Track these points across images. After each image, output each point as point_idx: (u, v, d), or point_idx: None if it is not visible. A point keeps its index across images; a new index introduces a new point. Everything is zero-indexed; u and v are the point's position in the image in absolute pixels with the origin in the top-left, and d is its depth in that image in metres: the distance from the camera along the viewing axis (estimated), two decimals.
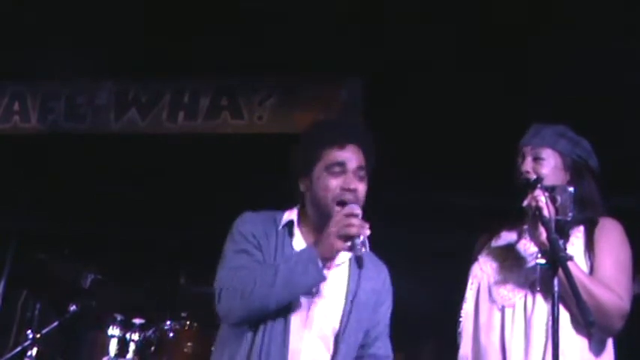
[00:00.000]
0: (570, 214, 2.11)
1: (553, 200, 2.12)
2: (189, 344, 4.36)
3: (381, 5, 4.08)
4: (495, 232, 2.49)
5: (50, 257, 5.18)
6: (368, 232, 2.09)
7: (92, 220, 5.84)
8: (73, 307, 4.50)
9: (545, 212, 2.07)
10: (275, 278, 2.10)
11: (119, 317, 4.45)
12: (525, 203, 2.16)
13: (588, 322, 1.85)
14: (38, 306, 5.03)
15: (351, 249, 2.09)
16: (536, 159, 2.35)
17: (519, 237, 2.39)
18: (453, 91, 4.45)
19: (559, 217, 2.10)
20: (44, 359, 4.59)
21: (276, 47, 4.52)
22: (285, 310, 2.18)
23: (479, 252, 2.45)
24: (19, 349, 4.49)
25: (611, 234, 2.28)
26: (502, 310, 2.27)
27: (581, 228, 2.30)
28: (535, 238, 2.15)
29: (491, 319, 2.28)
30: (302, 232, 2.34)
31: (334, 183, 2.24)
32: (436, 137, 4.70)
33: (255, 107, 4.93)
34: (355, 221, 2.10)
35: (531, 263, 2.24)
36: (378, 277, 2.37)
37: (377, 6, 4.08)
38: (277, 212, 2.39)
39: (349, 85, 4.78)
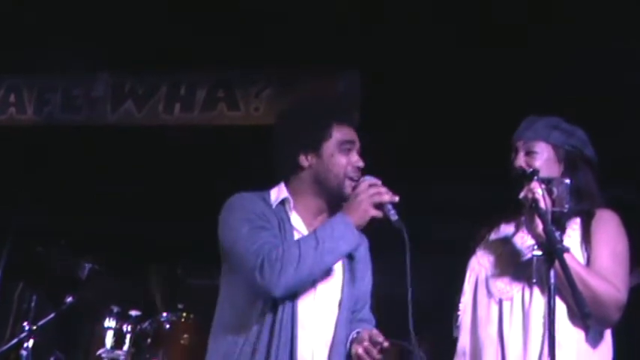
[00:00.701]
0: (567, 206, 2.11)
1: (549, 192, 2.12)
2: (185, 336, 4.37)
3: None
4: (493, 225, 2.49)
5: (46, 249, 5.17)
6: (397, 198, 2.17)
7: (89, 212, 5.84)
8: (69, 299, 4.49)
9: (542, 204, 2.07)
10: (318, 245, 2.14)
11: (115, 309, 4.45)
12: (522, 195, 2.15)
13: (584, 314, 1.85)
14: (35, 298, 5.02)
15: (384, 215, 2.17)
16: (529, 152, 2.35)
17: (517, 230, 2.38)
18: (451, 85, 4.45)
19: (555, 209, 2.09)
20: (41, 351, 4.59)
21: (273, 39, 4.51)
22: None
23: (477, 245, 2.45)
24: (15, 340, 4.49)
25: (607, 225, 2.27)
26: (500, 303, 2.26)
27: (578, 220, 2.29)
28: (531, 230, 2.14)
29: (489, 312, 2.28)
30: (297, 210, 2.34)
31: (345, 160, 2.30)
32: (434, 130, 4.71)
33: (252, 99, 4.93)
34: (384, 189, 2.19)
35: (528, 256, 2.23)
36: (360, 247, 2.40)
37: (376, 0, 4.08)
38: (262, 192, 2.38)
39: (346, 78, 4.78)
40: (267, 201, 2.34)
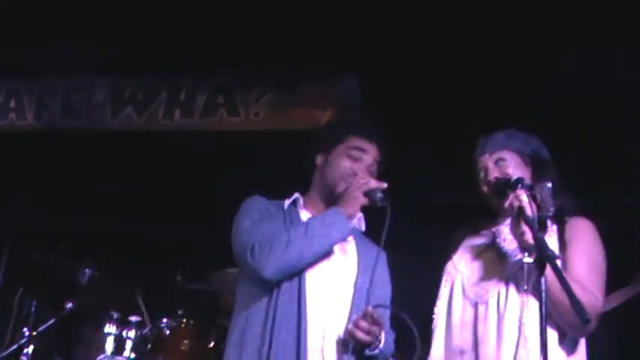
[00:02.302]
0: (552, 209, 2.13)
1: (534, 198, 2.13)
2: (185, 342, 4.35)
3: (379, 3, 4.08)
4: (469, 231, 2.50)
5: (46, 254, 5.17)
6: (385, 185, 2.32)
7: (89, 217, 5.83)
8: (69, 304, 4.49)
9: (529, 211, 2.09)
10: (307, 231, 2.25)
11: (115, 315, 4.45)
12: (507, 204, 2.18)
13: (584, 320, 1.85)
14: (34, 303, 5.02)
15: (372, 201, 2.31)
16: (498, 161, 2.40)
17: (493, 235, 2.39)
18: (451, 89, 4.45)
19: (541, 214, 2.12)
20: (41, 357, 4.58)
21: (273, 44, 4.51)
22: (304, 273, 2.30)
23: (453, 250, 2.46)
24: (15, 346, 4.48)
25: (583, 233, 2.30)
26: (475, 306, 2.28)
27: (554, 227, 2.31)
28: (518, 237, 2.14)
29: (464, 316, 2.30)
30: (306, 208, 2.50)
31: (347, 164, 2.45)
32: (433, 134, 4.70)
33: (252, 104, 4.93)
34: (372, 179, 2.37)
35: (512, 260, 2.22)
36: (372, 251, 2.46)
37: (375, 3, 4.08)
38: (276, 201, 2.53)
39: (346, 83, 4.78)
40: (279, 204, 2.50)
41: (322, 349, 2.25)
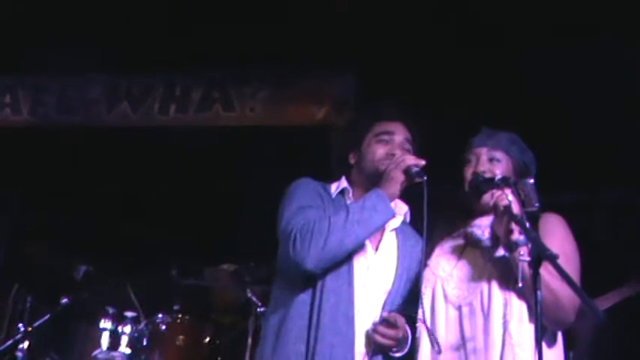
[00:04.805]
0: (537, 205, 2.13)
1: (518, 195, 2.14)
2: (181, 337, 4.35)
3: (375, 1, 4.09)
4: (443, 235, 2.49)
5: (41, 250, 5.16)
6: (423, 162, 2.27)
7: (84, 213, 5.82)
8: (64, 300, 4.48)
9: (515, 209, 2.10)
10: (347, 217, 2.21)
11: (111, 310, 4.44)
12: (492, 202, 2.18)
13: (598, 317, 1.86)
14: (30, 299, 5.00)
15: (410, 179, 2.27)
16: (492, 160, 2.39)
17: (469, 236, 2.38)
18: (445, 89, 4.45)
19: (527, 210, 2.13)
20: (36, 353, 4.57)
21: (268, 40, 4.51)
22: (348, 267, 2.28)
23: (427, 258, 2.43)
24: (10, 342, 4.47)
25: (555, 228, 2.30)
26: (459, 309, 2.27)
27: (527, 224, 2.31)
28: (504, 235, 2.13)
29: (447, 319, 2.28)
30: (355, 200, 2.43)
31: (381, 150, 2.42)
32: (427, 133, 4.70)
33: (247, 100, 4.94)
34: (409, 155, 2.33)
35: (496, 256, 2.21)
36: (418, 245, 2.44)
37: (371, 2, 4.09)
38: (324, 183, 2.51)
39: (342, 80, 4.79)
40: (327, 189, 2.47)
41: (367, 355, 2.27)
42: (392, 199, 2.30)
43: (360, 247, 2.31)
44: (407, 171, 2.27)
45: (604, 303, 3.68)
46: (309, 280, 2.27)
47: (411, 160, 2.28)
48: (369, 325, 2.27)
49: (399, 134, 2.46)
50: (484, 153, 2.41)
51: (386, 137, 2.45)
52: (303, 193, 2.39)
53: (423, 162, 2.28)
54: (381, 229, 2.36)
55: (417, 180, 2.26)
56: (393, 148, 2.41)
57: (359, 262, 2.32)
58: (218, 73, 5.04)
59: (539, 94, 4.32)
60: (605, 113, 4.30)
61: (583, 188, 4.70)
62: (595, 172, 4.45)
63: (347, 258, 2.28)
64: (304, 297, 2.27)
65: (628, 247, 4.39)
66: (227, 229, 4.96)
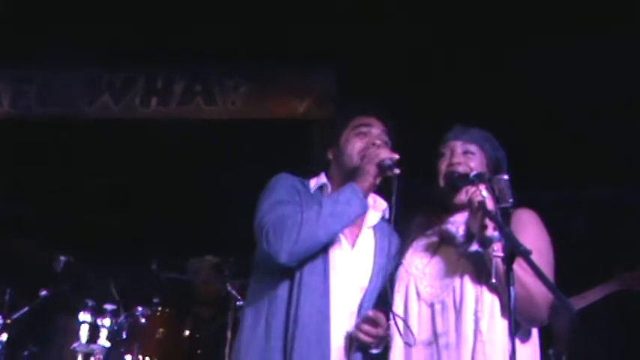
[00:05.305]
0: (511, 200, 2.15)
1: (492, 191, 2.15)
2: (160, 330, 4.35)
3: None
4: (415, 235, 2.50)
5: (21, 242, 5.13)
6: (397, 156, 2.27)
7: (64, 205, 5.80)
8: (43, 292, 4.46)
9: (490, 205, 2.11)
10: (320, 210, 2.21)
11: (90, 303, 4.42)
12: (466, 198, 2.20)
13: (571, 312, 1.86)
14: (9, 291, 4.97)
15: (383, 172, 2.27)
16: (466, 152, 2.40)
17: (441, 233, 2.39)
18: (427, 83, 4.47)
19: (502, 206, 2.14)
20: (15, 345, 4.55)
21: (250, 34, 4.51)
22: (324, 263, 2.27)
23: (401, 256, 2.44)
24: None
25: (529, 224, 2.30)
26: (432, 306, 2.27)
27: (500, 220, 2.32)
28: (478, 231, 2.14)
29: (420, 317, 2.28)
30: None
31: (360, 143, 2.42)
32: (409, 123, 4.72)
33: (229, 93, 4.93)
34: (382, 149, 2.33)
35: (469, 251, 2.21)
36: (392, 244, 2.47)
37: None
38: (302, 178, 2.51)
39: (323, 74, 4.80)
40: (306, 185, 2.47)
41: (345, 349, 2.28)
42: (367, 193, 2.30)
43: (335, 242, 2.31)
44: (380, 164, 2.27)
45: (590, 297, 3.69)
46: (285, 274, 2.27)
47: (385, 154, 2.29)
48: (345, 321, 2.27)
49: (377, 127, 2.47)
50: (459, 146, 2.42)
51: (364, 129, 2.45)
52: (280, 188, 2.39)
53: (396, 156, 2.28)
54: (355, 222, 2.35)
55: (389, 173, 2.26)
56: (372, 140, 2.41)
57: (335, 258, 2.31)
58: (200, 67, 5.04)
59: (521, 92, 4.35)
60: (589, 113, 4.33)
61: (565, 186, 4.73)
62: (578, 170, 4.48)
63: (323, 253, 2.28)
64: (281, 292, 2.26)
65: (610, 244, 4.44)
66: (207, 222, 4.96)
